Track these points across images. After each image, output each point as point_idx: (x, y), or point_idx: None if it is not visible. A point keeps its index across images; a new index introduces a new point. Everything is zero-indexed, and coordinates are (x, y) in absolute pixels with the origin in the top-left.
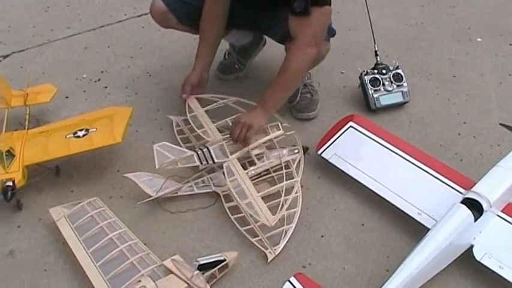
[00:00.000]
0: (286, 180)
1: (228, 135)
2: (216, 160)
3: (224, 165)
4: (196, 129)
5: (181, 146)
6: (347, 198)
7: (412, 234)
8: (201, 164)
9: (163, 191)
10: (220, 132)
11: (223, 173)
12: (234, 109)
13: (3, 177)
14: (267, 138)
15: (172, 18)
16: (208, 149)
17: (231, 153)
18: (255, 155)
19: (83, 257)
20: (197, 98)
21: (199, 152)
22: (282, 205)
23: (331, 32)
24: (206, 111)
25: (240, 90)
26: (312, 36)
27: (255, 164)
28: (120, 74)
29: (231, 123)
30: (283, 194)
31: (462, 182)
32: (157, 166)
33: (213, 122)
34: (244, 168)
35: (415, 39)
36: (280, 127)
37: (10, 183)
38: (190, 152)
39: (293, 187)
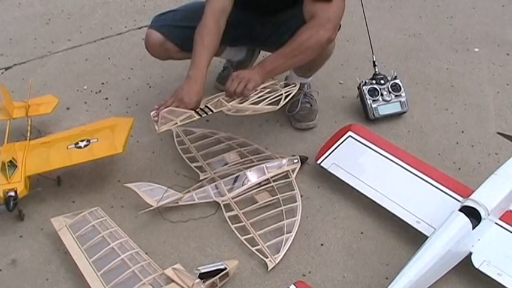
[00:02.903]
0: (286, 190)
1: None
2: (214, 110)
3: (224, 109)
4: None
5: (182, 157)
6: (346, 207)
7: (411, 242)
8: (201, 116)
9: (164, 200)
10: None
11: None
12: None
13: (6, 187)
14: (262, 86)
15: (172, 47)
16: (206, 106)
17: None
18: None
19: (84, 266)
20: None
21: (198, 109)
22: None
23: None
24: None
25: None
26: (328, 20)
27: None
28: (121, 85)
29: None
30: (282, 204)
31: (460, 190)
32: (157, 129)
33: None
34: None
35: (413, 50)
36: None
37: (12, 193)
38: (189, 111)
39: (293, 196)
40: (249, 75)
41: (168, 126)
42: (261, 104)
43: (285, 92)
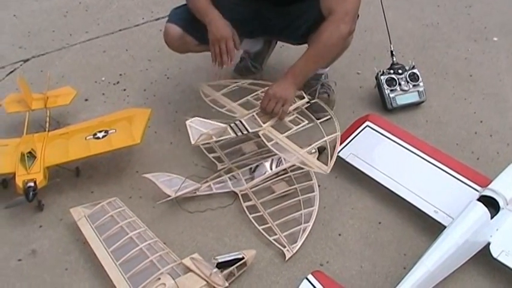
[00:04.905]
0: (303, 180)
1: (257, 109)
2: (250, 130)
3: (260, 133)
4: (218, 109)
5: (200, 148)
6: (364, 197)
7: (428, 232)
8: (236, 135)
9: (182, 191)
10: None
11: (262, 141)
12: (250, 89)
13: (25, 178)
14: (295, 106)
15: (191, 40)
16: (240, 121)
17: (264, 123)
18: (289, 121)
19: (103, 256)
20: (209, 85)
21: (232, 124)
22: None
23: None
24: (223, 95)
25: None
26: (346, 13)
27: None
28: (139, 76)
29: (262, 94)
30: (300, 194)
31: (478, 180)
32: (192, 142)
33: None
34: None
35: (431, 39)
36: (304, 95)
37: (32, 184)
38: (223, 125)
39: (310, 186)
40: (285, 94)
41: (203, 140)
42: (311, 158)
43: (329, 139)
